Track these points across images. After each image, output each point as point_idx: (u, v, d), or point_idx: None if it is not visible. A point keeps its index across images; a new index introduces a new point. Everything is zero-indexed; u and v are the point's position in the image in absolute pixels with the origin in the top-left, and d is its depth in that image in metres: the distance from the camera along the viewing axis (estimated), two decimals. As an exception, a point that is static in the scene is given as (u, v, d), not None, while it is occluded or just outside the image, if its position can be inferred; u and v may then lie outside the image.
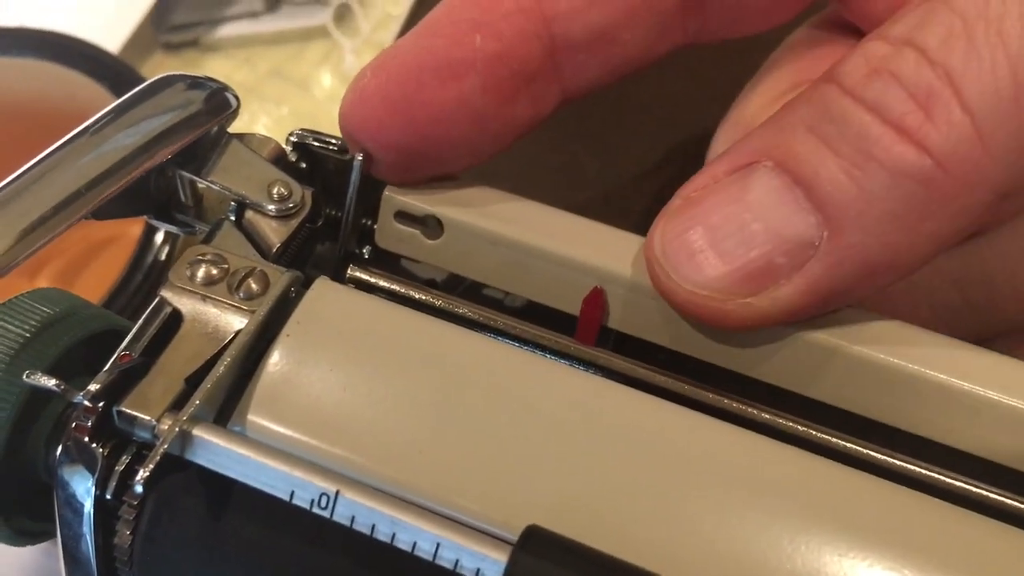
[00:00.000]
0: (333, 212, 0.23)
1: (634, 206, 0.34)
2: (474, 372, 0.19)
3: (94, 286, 0.33)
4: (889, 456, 0.20)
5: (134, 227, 0.43)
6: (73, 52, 0.36)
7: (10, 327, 0.19)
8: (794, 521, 0.17)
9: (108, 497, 0.18)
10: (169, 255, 0.33)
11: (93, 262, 0.43)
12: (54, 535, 0.22)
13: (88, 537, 0.19)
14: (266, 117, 0.47)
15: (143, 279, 0.32)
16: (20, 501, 0.20)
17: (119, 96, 0.34)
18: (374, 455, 0.18)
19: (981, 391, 0.19)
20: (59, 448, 0.19)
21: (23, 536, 0.21)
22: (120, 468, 0.18)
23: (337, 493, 0.17)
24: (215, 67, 0.49)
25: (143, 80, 0.33)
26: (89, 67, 0.36)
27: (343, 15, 0.48)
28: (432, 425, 0.18)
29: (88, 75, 0.36)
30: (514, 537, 0.17)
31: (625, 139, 0.36)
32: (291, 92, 0.48)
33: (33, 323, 0.20)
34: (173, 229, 0.23)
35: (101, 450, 0.18)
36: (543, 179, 0.34)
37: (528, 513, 0.17)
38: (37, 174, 0.20)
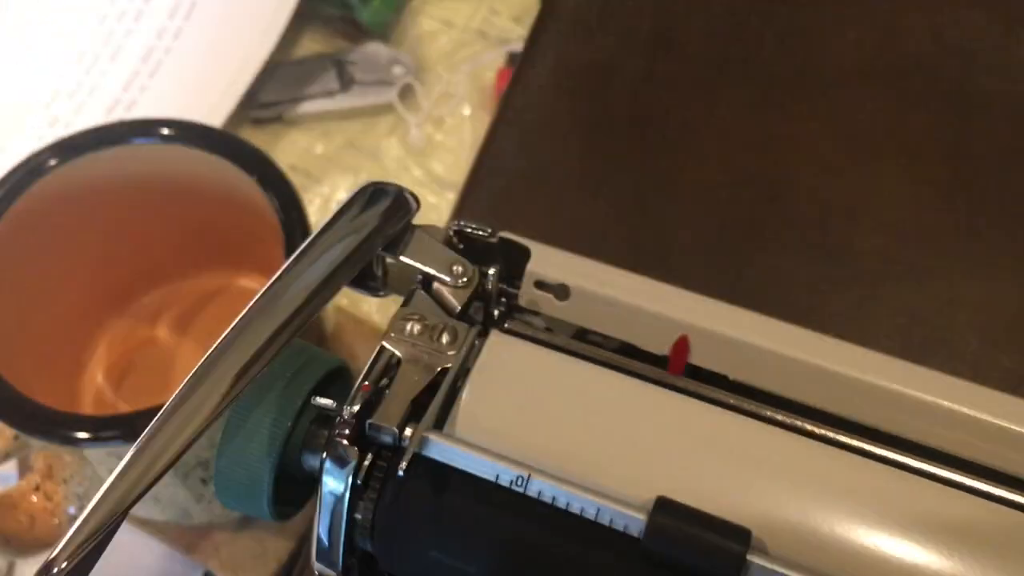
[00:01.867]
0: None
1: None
2: (605, 396, 0.28)
3: (207, 331, 0.39)
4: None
5: (241, 280, 0.51)
6: (213, 138, 0.44)
7: (283, 366, 0.28)
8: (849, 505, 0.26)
9: (359, 483, 0.27)
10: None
11: (204, 310, 0.50)
12: (292, 516, 0.30)
13: (343, 514, 0.27)
14: (344, 182, 0.55)
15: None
16: (280, 490, 0.29)
17: (247, 171, 0.41)
18: (545, 453, 0.26)
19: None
20: (323, 451, 0.27)
21: (278, 516, 0.29)
22: (367, 463, 0.27)
23: (528, 476, 0.25)
24: (297, 139, 0.56)
25: (266, 157, 0.41)
26: (221, 149, 0.43)
27: (407, 94, 0.56)
28: (582, 432, 0.27)
29: (222, 156, 0.43)
30: (648, 505, 0.25)
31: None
32: (364, 161, 0.55)
33: (295, 364, 0.28)
34: (364, 293, 0.32)
35: (356, 450, 0.27)
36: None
37: (656, 491, 0.26)
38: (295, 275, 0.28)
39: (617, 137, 0.47)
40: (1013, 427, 0.27)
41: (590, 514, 0.25)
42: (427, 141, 0.55)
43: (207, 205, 0.46)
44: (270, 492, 0.28)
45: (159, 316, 0.50)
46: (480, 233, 0.31)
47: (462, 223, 0.31)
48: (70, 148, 0.43)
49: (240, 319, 0.27)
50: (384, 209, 0.30)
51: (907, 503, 0.26)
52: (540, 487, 0.25)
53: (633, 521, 0.25)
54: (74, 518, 0.26)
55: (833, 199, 0.44)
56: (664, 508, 0.25)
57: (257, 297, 0.27)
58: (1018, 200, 0.43)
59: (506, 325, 0.31)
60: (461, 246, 0.32)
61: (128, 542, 0.46)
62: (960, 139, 0.44)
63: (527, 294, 0.31)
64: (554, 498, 0.25)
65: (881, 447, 0.28)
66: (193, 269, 0.50)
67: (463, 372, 0.28)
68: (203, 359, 0.25)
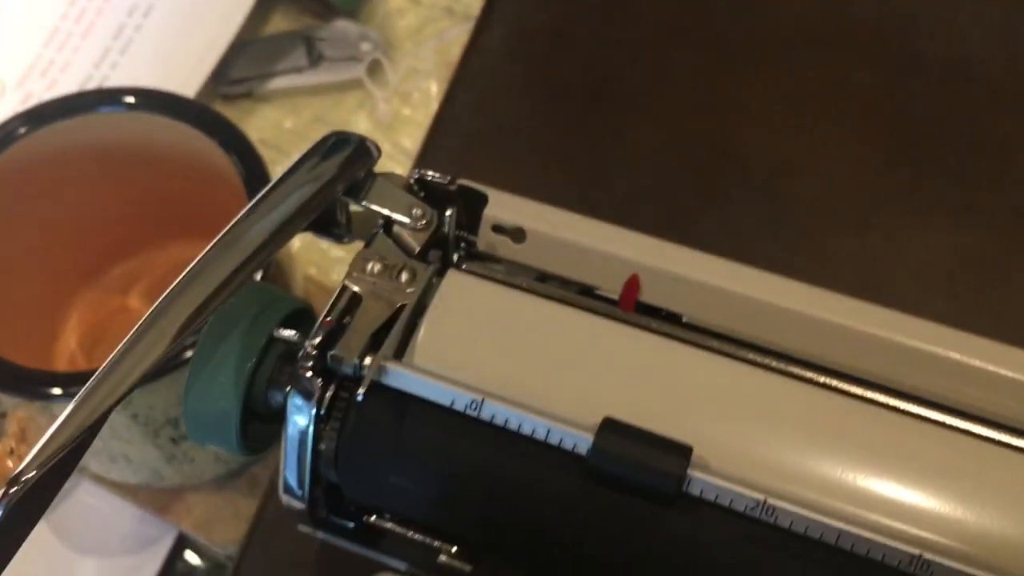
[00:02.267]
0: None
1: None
2: (555, 327, 0.29)
3: None
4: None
5: None
6: (179, 106, 0.44)
7: (247, 305, 0.29)
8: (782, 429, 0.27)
9: (322, 413, 0.28)
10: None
11: (175, 279, 0.51)
12: (265, 452, 0.31)
13: (309, 444, 0.28)
14: None
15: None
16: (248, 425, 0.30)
17: (209, 135, 0.42)
18: (498, 380, 0.28)
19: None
20: (287, 383, 0.28)
21: (247, 450, 0.30)
22: (329, 395, 0.28)
23: (482, 400, 0.27)
24: (266, 114, 0.57)
25: (235, 127, 0.42)
26: (185, 115, 0.44)
27: (375, 69, 0.57)
28: (533, 360, 0.28)
29: (190, 124, 0.44)
30: (595, 425, 0.26)
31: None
32: None
33: (259, 303, 0.29)
34: (328, 239, 0.33)
35: (319, 381, 0.28)
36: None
37: (603, 415, 0.27)
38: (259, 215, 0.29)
39: (571, 100, 0.48)
40: (938, 352, 0.29)
41: (540, 435, 0.26)
42: (395, 116, 0.56)
43: (175, 175, 0.46)
44: (238, 424, 0.29)
45: (131, 286, 0.51)
46: (439, 180, 0.33)
47: (421, 171, 0.33)
48: (38, 117, 0.44)
49: (204, 253, 0.28)
50: (345, 157, 0.31)
51: (838, 422, 0.27)
52: (493, 411, 0.27)
53: (581, 440, 0.26)
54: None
55: (780, 158, 0.45)
56: (609, 428, 0.26)
57: (220, 235, 0.28)
58: (955, 158, 0.45)
59: (463, 267, 0.32)
60: (422, 194, 0.33)
61: (102, 507, 0.47)
62: (902, 100, 0.46)
63: (484, 238, 0.32)
64: (506, 420, 0.27)
65: (820, 375, 0.29)
66: (164, 240, 0.51)
67: (420, 308, 0.29)
68: (168, 290, 0.26)
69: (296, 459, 0.28)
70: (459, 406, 0.27)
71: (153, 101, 0.44)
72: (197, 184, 0.46)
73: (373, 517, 0.31)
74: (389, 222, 0.31)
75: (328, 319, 0.29)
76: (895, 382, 0.29)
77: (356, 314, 0.29)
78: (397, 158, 0.55)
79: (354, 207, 0.32)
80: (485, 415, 0.27)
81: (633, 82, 0.48)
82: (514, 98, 0.49)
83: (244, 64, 0.57)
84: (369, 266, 0.30)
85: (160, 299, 0.27)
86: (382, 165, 0.32)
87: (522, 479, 0.27)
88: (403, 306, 0.29)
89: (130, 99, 0.44)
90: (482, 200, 0.32)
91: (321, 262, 0.52)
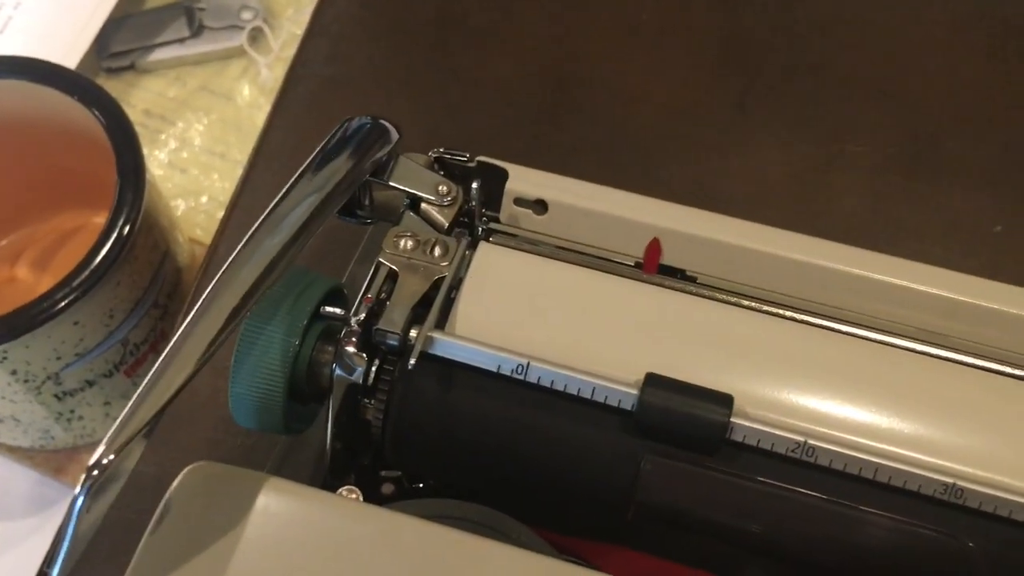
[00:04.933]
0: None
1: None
2: (590, 291, 0.30)
3: (66, 269, 0.40)
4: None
5: (98, 218, 0.51)
6: (56, 75, 0.44)
7: (286, 288, 0.30)
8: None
9: (368, 387, 0.29)
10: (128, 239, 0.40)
11: (63, 248, 0.51)
12: (304, 430, 0.32)
13: (354, 420, 0.29)
14: (198, 124, 0.56)
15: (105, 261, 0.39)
16: (293, 405, 0.30)
17: (91, 108, 0.42)
18: (540, 345, 0.29)
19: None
20: (331, 362, 0.29)
21: (289, 431, 0.31)
22: (375, 369, 0.29)
23: (528, 363, 0.28)
24: (151, 85, 0.57)
25: (108, 95, 0.42)
26: (69, 87, 0.43)
27: (256, 37, 0.57)
28: (572, 323, 0.29)
29: (68, 94, 0.43)
30: (639, 381, 0.27)
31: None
32: (217, 103, 0.57)
33: (298, 285, 0.30)
34: (353, 222, 0.34)
35: (364, 356, 0.29)
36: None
37: (644, 371, 0.28)
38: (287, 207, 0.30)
39: (420, 40, 0.50)
40: (959, 298, 0.31)
41: (586, 393, 0.28)
42: (277, 81, 0.53)
43: (55, 146, 0.46)
44: (284, 405, 0.30)
45: (19, 256, 0.51)
46: (459, 159, 0.33)
47: (441, 150, 0.34)
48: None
49: (245, 243, 0.28)
50: (365, 139, 0.32)
51: (862, 366, 0.29)
52: (539, 373, 0.28)
53: (626, 396, 0.27)
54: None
55: (618, 85, 0.48)
56: (653, 382, 0.27)
57: (258, 223, 0.29)
58: (782, 76, 0.48)
59: (491, 240, 0.33)
60: (441, 172, 0.34)
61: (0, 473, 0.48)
62: (732, 24, 0.49)
63: (507, 210, 0.33)
64: (552, 382, 0.28)
65: (840, 323, 0.31)
66: (50, 210, 0.50)
67: (457, 281, 0.30)
68: (218, 275, 0.27)
69: (342, 434, 0.29)
70: (506, 370, 0.28)
71: (23, 69, 0.44)
72: (78, 154, 0.46)
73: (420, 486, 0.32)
74: (416, 200, 0.32)
75: (368, 296, 0.29)
76: (908, 327, 0.31)
77: (395, 289, 0.30)
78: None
79: (378, 186, 0.33)
80: (532, 377, 0.28)
81: (479, 19, 0.50)
82: (365, 43, 0.51)
83: (126, 37, 0.58)
84: (402, 243, 0.31)
85: (211, 286, 0.28)
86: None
87: (573, 438, 0.28)
88: (441, 279, 0.30)
89: (1, 67, 0.44)
90: (502, 175, 0.33)
91: (206, 224, 0.52)
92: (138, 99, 0.57)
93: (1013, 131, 0.46)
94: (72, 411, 0.44)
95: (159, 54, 0.57)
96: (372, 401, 0.29)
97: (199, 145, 0.55)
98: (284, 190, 0.30)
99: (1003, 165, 0.45)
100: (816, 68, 0.48)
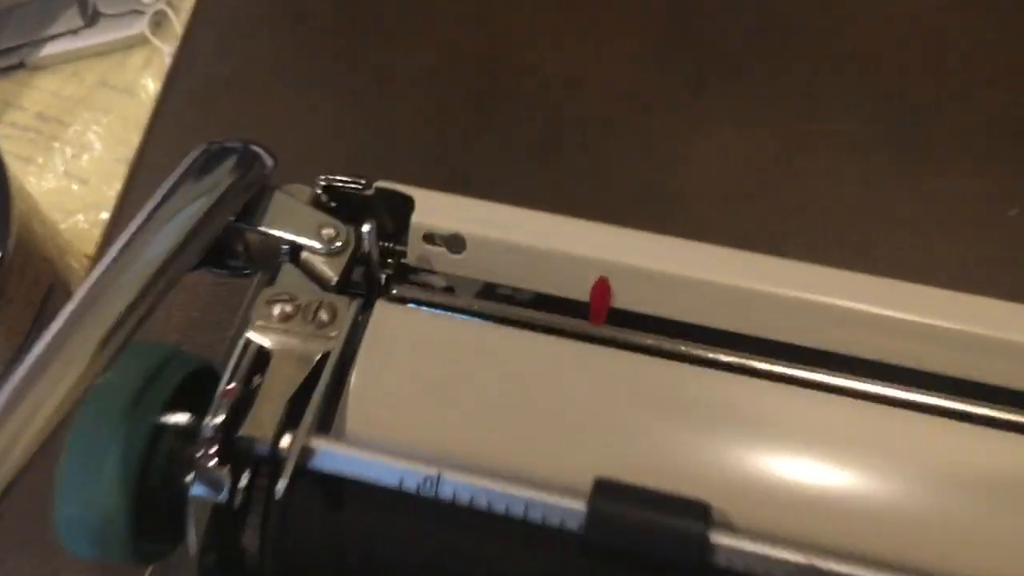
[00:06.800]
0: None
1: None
2: (521, 363, 0.23)
3: None
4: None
5: None
6: None
7: (128, 374, 0.23)
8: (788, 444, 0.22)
9: (235, 508, 0.22)
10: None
11: None
12: (166, 555, 0.25)
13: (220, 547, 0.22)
14: (97, 125, 0.50)
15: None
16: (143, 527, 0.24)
17: None
18: (456, 441, 0.22)
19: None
20: (188, 476, 0.22)
21: (144, 558, 0.24)
22: (243, 485, 0.22)
23: (439, 476, 0.21)
24: (44, 84, 0.51)
25: None
26: None
27: (159, 22, 0.51)
28: (498, 410, 0.22)
29: None
30: (585, 490, 0.21)
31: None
32: (118, 99, 0.50)
33: (144, 372, 0.23)
34: (227, 275, 0.27)
35: (227, 470, 0.22)
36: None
37: (591, 470, 0.21)
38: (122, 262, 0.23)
39: (325, 31, 0.43)
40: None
41: (517, 513, 0.21)
42: None
43: None
44: (128, 528, 0.23)
45: None
46: (352, 185, 0.26)
47: (330, 177, 0.27)
48: None
49: (57, 324, 0.22)
50: (228, 170, 0.25)
51: (885, 441, 0.22)
52: (454, 488, 0.21)
53: (570, 514, 0.21)
54: None
55: (553, 72, 0.41)
56: (604, 491, 0.21)
57: (74, 299, 0.22)
58: (743, 47, 0.41)
59: (395, 291, 0.26)
60: (333, 204, 0.27)
61: None
62: (676, 4, 0.42)
63: (416, 250, 0.26)
64: (472, 499, 0.21)
65: (831, 375, 0.24)
66: None
67: (349, 355, 0.23)
68: (10, 375, 0.20)
69: (204, 565, 0.23)
70: (410, 485, 0.21)
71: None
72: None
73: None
74: (296, 248, 0.25)
75: (230, 387, 0.22)
76: (924, 372, 0.24)
77: (266, 375, 0.23)
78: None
79: (249, 231, 0.26)
80: (445, 494, 0.21)
81: (394, 4, 0.43)
82: (259, 35, 0.44)
83: (12, 32, 0.51)
84: (277, 309, 0.24)
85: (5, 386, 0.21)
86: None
87: (500, 570, 0.21)
88: (325, 356, 0.23)
89: None
90: (408, 204, 0.26)
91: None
92: (31, 101, 0.50)
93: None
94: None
95: (52, 48, 0.51)
96: (245, 525, 0.22)
97: (99, 150, 0.48)
98: (119, 243, 0.23)
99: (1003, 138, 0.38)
100: (782, 36, 0.41)
